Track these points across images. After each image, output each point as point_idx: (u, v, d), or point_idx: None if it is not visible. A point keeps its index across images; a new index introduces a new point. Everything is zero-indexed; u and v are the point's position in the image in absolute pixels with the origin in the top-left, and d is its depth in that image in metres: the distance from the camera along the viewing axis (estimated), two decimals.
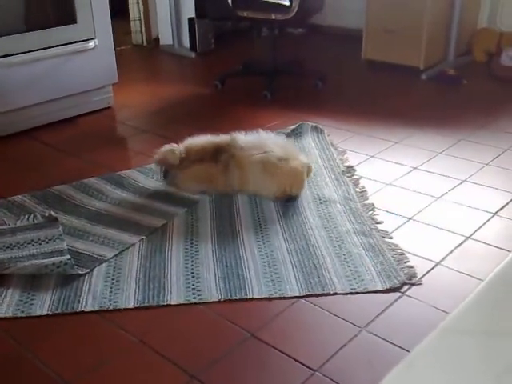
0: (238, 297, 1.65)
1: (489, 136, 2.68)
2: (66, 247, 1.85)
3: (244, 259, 1.81)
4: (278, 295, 1.65)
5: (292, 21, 3.20)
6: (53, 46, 2.85)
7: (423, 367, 0.46)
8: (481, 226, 1.95)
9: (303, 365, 1.41)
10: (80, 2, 2.90)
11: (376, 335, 1.49)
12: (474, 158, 2.46)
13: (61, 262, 1.75)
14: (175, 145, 2.28)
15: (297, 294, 1.65)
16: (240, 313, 1.60)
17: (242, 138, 2.28)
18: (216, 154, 2.24)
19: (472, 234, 1.91)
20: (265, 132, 2.39)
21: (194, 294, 1.66)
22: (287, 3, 3.13)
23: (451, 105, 3.13)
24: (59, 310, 1.61)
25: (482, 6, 3.88)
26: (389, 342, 1.46)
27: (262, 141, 2.24)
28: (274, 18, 3.21)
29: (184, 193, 2.23)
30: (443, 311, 1.56)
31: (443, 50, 3.69)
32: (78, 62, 2.96)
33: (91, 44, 2.97)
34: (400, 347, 1.44)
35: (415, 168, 2.40)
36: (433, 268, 1.74)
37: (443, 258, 1.79)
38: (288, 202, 2.13)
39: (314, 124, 2.82)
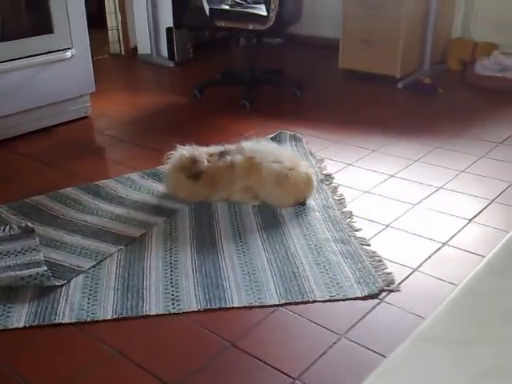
0: (217, 306, 1.64)
1: (464, 144, 2.73)
2: (42, 258, 1.82)
3: (223, 268, 1.81)
4: (257, 304, 1.65)
5: (269, 31, 3.22)
6: (29, 56, 2.83)
7: (397, 374, 0.46)
8: (457, 233, 1.98)
9: (283, 373, 1.41)
10: (56, 11, 2.88)
11: (355, 342, 1.50)
12: (449, 165, 2.50)
13: (37, 273, 1.73)
14: (186, 150, 2.27)
15: (276, 303, 1.65)
16: (220, 322, 1.59)
17: (249, 144, 2.30)
18: (222, 155, 2.25)
19: (448, 241, 1.93)
20: (265, 140, 2.41)
21: (173, 304, 1.65)
22: (264, 13, 3.15)
23: (427, 113, 3.18)
24: (36, 323, 1.59)
25: (455, 15, 3.96)
26: (368, 348, 1.47)
27: (269, 149, 2.25)
28: (251, 27, 3.23)
29: (163, 202, 2.23)
30: (421, 317, 1.58)
31: (419, 60, 3.76)
32: (54, 72, 2.94)
33: (68, 53, 2.95)
34: (379, 354, 1.45)
35: (392, 176, 2.42)
36: (410, 274, 1.76)
37: (420, 265, 1.81)
38: (301, 206, 2.17)
39: (292, 133, 2.84)
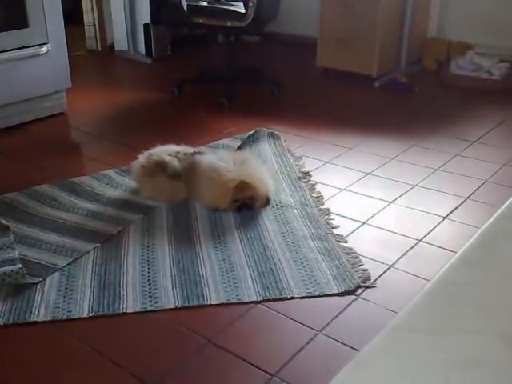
0: (195, 303, 1.64)
1: (439, 142, 2.77)
2: (17, 256, 1.80)
3: (201, 265, 1.80)
4: (235, 301, 1.65)
5: (247, 28, 3.22)
6: (4, 51, 2.78)
7: (372, 366, 0.47)
8: (432, 229, 2.01)
9: (261, 370, 1.41)
10: (32, 6, 2.84)
11: (332, 338, 1.51)
12: (424, 163, 2.53)
13: (12, 271, 1.70)
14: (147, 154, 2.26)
15: (254, 299, 1.65)
16: (197, 319, 1.59)
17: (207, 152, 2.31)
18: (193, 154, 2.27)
19: (424, 237, 1.96)
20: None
21: (150, 301, 1.64)
22: (242, 10, 3.15)
23: (403, 112, 3.22)
24: (11, 321, 1.57)
25: (431, 15, 4.01)
26: (345, 344, 1.49)
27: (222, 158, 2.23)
28: (229, 24, 3.22)
29: (140, 199, 2.21)
30: (397, 312, 1.60)
31: (395, 59, 3.79)
32: (29, 67, 2.89)
33: (44, 49, 2.91)
34: (356, 349, 1.47)
35: (369, 173, 2.45)
36: (386, 271, 1.78)
37: (396, 261, 1.83)
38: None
39: (270, 130, 2.85)
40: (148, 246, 1.91)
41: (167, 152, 2.26)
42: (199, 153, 2.29)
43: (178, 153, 2.26)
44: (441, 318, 0.52)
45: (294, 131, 2.90)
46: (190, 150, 2.32)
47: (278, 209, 2.15)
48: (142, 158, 2.25)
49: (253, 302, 1.64)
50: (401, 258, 1.85)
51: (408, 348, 0.49)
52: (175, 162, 2.20)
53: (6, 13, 2.86)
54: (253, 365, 1.43)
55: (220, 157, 2.21)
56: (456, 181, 2.37)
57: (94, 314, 1.60)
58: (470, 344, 0.49)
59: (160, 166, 2.19)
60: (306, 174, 2.43)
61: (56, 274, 1.76)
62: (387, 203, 2.20)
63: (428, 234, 1.98)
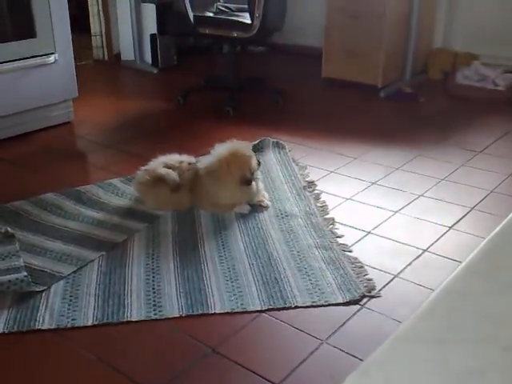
0: (199, 312, 1.64)
1: (444, 152, 2.76)
2: (22, 264, 1.80)
3: (206, 274, 1.80)
4: (240, 310, 1.65)
5: (253, 39, 3.24)
6: (11, 61, 2.80)
7: (376, 376, 0.47)
8: (437, 239, 2.00)
9: (265, 379, 1.41)
10: (40, 16, 2.87)
11: (337, 348, 1.50)
12: (430, 173, 2.53)
13: (17, 279, 1.71)
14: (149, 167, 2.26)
15: (259, 308, 1.65)
16: (201, 328, 1.59)
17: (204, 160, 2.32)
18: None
19: (429, 247, 1.95)
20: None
21: (154, 310, 1.64)
22: (248, 21, 3.17)
23: (408, 122, 3.22)
24: (15, 329, 1.57)
25: (437, 26, 4.02)
26: (349, 354, 1.48)
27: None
28: (235, 35, 3.24)
29: (145, 208, 2.22)
30: (401, 322, 1.59)
31: (400, 69, 3.80)
32: (37, 77, 2.92)
33: (51, 58, 2.94)
34: (360, 359, 1.46)
35: (374, 183, 2.45)
36: (391, 280, 1.78)
37: (401, 271, 1.82)
38: (248, 184, 2.17)
39: (275, 140, 2.85)
40: (153, 255, 1.91)
41: (166, 163, 2.25)
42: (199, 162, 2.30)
43: (181, 162, 2.26)
44: (445, 328, 0.52)
45: (298, 141, 2.91)
46: (192, 159, 2.32)
47: (282, 218, 2.15)
48: (140, 174, 2.25)
49: (257, 311, 1.64)
50: (406, 267, 1.84)
51: (412, 358, 0.49)
52: (173, 174, 2.20)
53: (14, 23, 2.88)
54: (257, 374, 1.42)
55: (204, 161, 2.25)
56: (461, 191, 2.37)
57: (99, 322, 1.60)
58: (475, 354, 0.49)
59: (159, 179, 2.19)
60: (311, 184, 2.43)
61: (61, 282, 1.76)
62: (392, 213, 2.19)
63: (433, 243, 1.97)
